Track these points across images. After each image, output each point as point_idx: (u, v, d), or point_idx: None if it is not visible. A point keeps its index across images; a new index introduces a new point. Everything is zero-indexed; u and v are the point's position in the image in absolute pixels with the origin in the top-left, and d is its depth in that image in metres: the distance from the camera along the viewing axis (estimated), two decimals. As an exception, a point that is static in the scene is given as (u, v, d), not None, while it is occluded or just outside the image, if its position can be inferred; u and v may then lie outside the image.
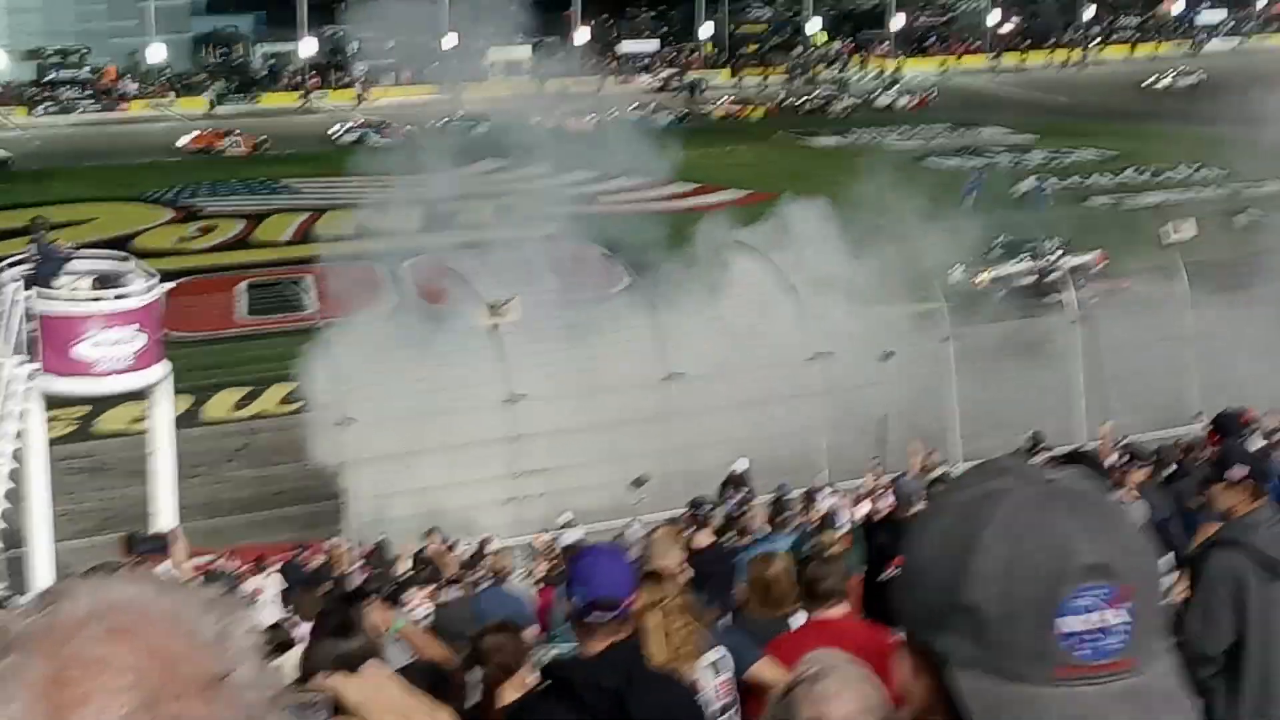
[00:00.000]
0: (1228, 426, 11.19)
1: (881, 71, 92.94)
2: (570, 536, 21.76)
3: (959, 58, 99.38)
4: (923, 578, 1.78)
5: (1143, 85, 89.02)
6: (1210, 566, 6.65)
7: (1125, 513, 1.80)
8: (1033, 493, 1.75)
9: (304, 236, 56.65)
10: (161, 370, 24.70)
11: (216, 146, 73.75)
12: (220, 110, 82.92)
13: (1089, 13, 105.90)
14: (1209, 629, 6.52)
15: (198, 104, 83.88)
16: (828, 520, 12.78)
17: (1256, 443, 13.67)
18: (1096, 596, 1.70)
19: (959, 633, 1.73)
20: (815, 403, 27.69)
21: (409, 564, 21.80)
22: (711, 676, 6.20)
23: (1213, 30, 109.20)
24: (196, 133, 75.17)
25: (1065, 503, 1.75)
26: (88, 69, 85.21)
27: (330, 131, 74.93)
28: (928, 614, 1.77)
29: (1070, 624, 1.69)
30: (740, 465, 23.39)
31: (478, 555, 22.08)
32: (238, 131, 75.05)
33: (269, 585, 21.64)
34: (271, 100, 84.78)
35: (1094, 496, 1.78)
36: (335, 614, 5.76)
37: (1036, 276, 34.54)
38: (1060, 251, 42.29)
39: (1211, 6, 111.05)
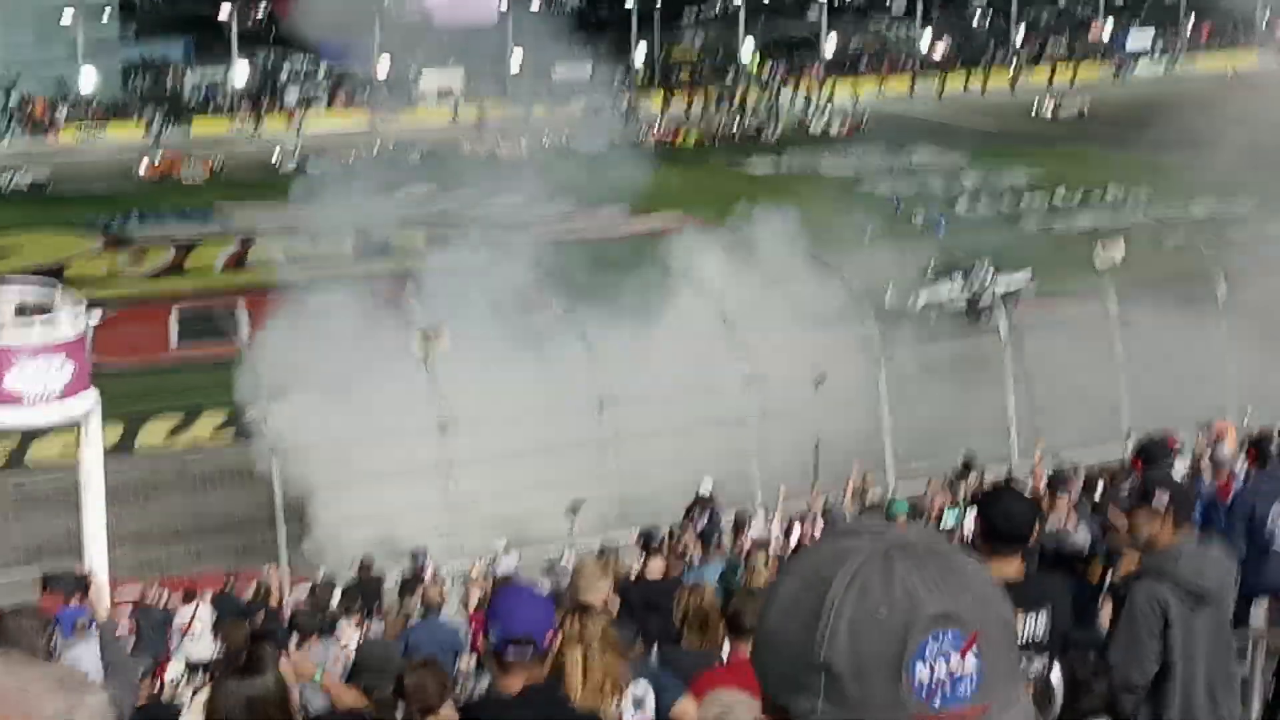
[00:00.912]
0: (1152, 453, 11.25)
1: (810, 98, 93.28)
2: (506, 563, 21.67)
3: (882, 82, 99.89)
4: (776, 641, 1.80)
5: (1032, 114, 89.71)
6: (1134, 597, 6.69)
7: (971, 564, 1.83)
8: (878, 549, 1.77)
9: (237, 264, 56.43)
10: (90, 400, 24.49)
11: (175, 173, 73.24)
12: (154, 138, 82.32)
13: (1019, 36, 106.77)
14: (1133, 659, 6.55)
15: (130, 131, 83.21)
16: (756, 548, 12.76)
17: (1180, 468, 13.78)
18: (945, 645, 1.74)
19: (815, 692, 1.76)
20: (749, 428, 27.71)
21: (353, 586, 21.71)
22: (633, 714, 6.16)
23: (1139, 55, 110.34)
24: (152, 158, 74.67)
25: (910, 557, 1.78)
26: (16, 98, 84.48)
27: (274, 160, 74.51)
28: (783, 676, 1.79)
29: (921, 674, 1.73)
30: (705, 486, 23.33)
31: (413, 582, 22.01)
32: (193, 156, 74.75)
33: (201, 616, 21.49)
34: (204, 127, 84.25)
35: (938, 549, 1.81)
36: (243, 653, 5.70)
37: (969, 298, 34.76)
38: (993, 273, 42.59)
39: (1141, 25, 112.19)
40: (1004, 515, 6.66)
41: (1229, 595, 6.82)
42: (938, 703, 1.73)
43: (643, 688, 6.27)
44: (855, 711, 1.74)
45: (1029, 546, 6.92)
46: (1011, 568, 6.44)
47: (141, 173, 73.22)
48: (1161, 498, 6.97)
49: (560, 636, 5.61)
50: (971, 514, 11.08)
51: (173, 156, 75.06)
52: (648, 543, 16.23)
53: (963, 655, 1.73)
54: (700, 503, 21.79)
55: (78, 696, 1.40)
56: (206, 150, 76.70)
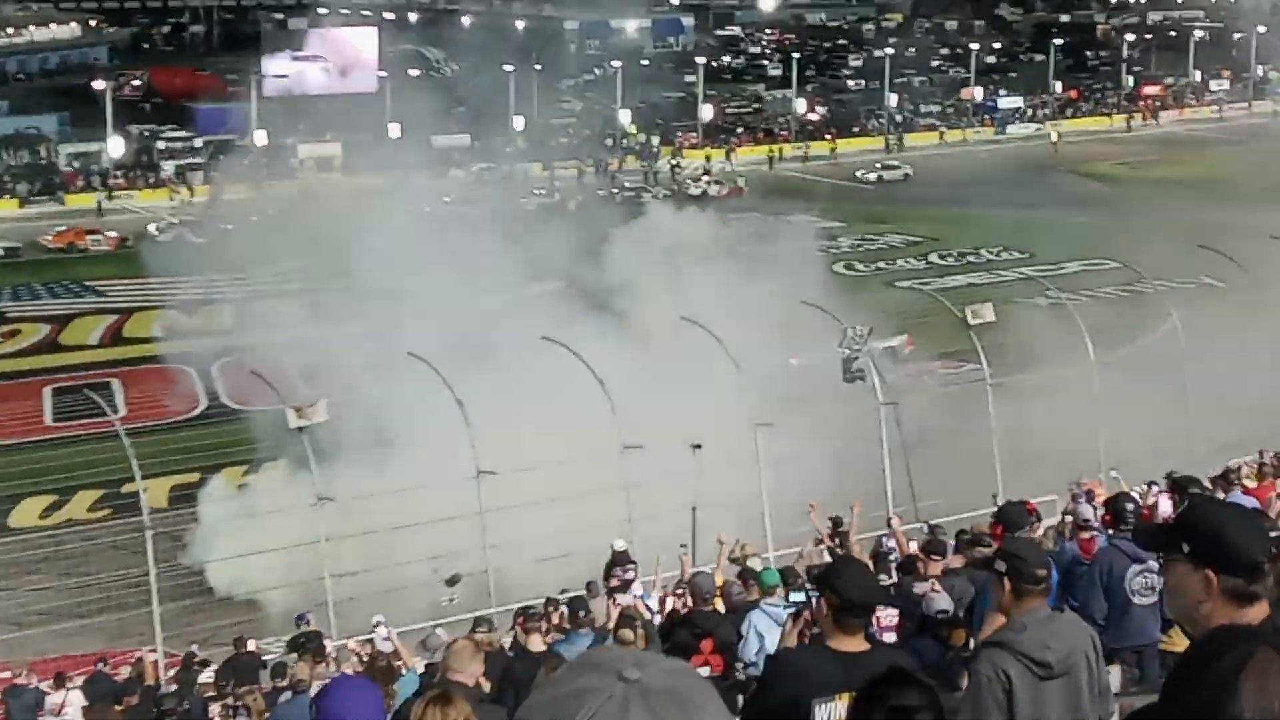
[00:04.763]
0: (1010, 518, 11.40)
1: (684, 164, 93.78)
2: (380, 639, 21.47)
3: (760, 147, 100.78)
4: None
5: (855, 175, 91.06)
6: (979, 667, 6.74)
7: (711, 703, 1.85)
8: (617, 692, 1.80)
9: (113, 338, 55.76)
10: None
11: (79, 244, 72.28)
12: (27, 211, 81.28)
13: (892, 101, 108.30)
14: (975, 729, 6.60)
15: (4, 205, 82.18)
16: (626, 619, 12.75)
17: (1040, 533, 13.98)
18: None
19: None
20: (624, 496, 27.67)
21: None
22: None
23: (1010, 117, 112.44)
24: (60, 229, 73.82)
25: (644, 702, 1.80)
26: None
27: (150, 229, 73.68)
28: None
29: None
30: (619, 544, 23.15)
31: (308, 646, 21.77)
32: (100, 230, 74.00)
33: (72, 700, 21.18)
34: (76, 201, 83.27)
35: (679, 690, 1.83)
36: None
37: (844, 359, 34.94)
38: (868, 335, 42.84)
39: (1009, 95, 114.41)
40: (855, 586, 6.61)
41: (1084, 665, 6.82)
42: None
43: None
44: None
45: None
46: (858, 641, 6.46)
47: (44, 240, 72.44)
48: (1000, 566, 7.00)
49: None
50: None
51: (77, 229, 74.14)
52: (525, 619, 16.14)
53: None
54: (619, 559, 21.54)
55: None
56: (84, 223, 75.82)
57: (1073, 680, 6.71)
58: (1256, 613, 3.91)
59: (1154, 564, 11.45)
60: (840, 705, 6.14)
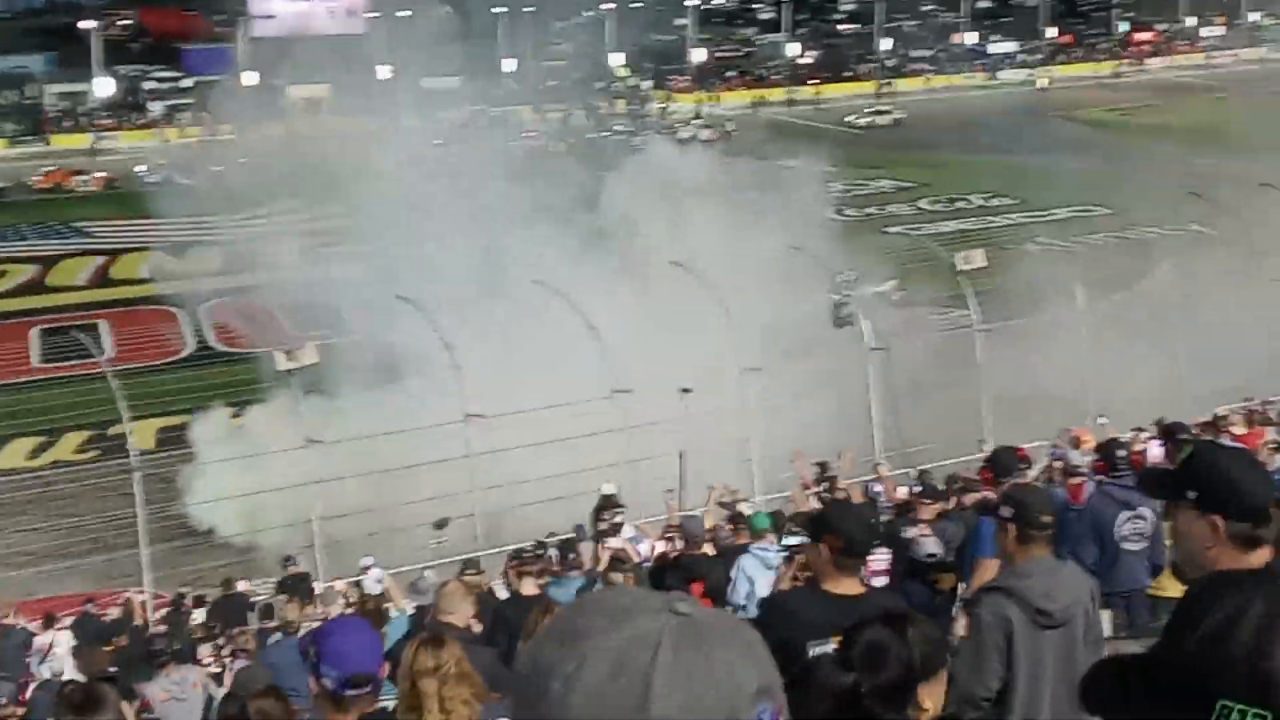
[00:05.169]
0: (1003, 463, 11.37)
1: (674, 107, 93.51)
2: (370, 581, 21.53)
3: (750, 91, 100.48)
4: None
5: (845, 120, 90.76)
6: (981, 612, 6.73)
7: (753, 643, 1.83)
8: (685, 630, 1.77)
9: (101, 280, 55.58)
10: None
11: (66, 185, 71.92)
12: (11, 153, 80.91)
13: (885, 45, 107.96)
14: (977, 673, 6.59)
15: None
16: (616, 562, 12.75)
17: (1033, 477, 13.97)
18: (765, 718, 1.76)
19: None
20: (614, 440, 27.68)
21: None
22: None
23: (1002, 60, 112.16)
24: (48, 170, 73.42)
25: (715, 636, 1.77)
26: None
27: (137, 170, 73.44)
28: None
29: None
30: (608, 488, 23.15)
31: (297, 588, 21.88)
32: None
33: (60, 641, 21.17)
34: (63, 142, 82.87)
35: (732, 624, 1.82)
36: (78, 692, 5.60)
37: (834, 305, 34.89)
38: (856, 281, 42.76)
39: (1001, 40, 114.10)
40: (858, 527, 6.59)
41: (1081, 616, 6.81)
42: None
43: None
44: None
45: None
46: (853, 584, 6.46)
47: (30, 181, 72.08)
48: (1005, 511, 6.97)
49: (414, 668, 5.55)
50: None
51: (63, 170, 73.77)
52: (520, 561, 16.17)
53: None
54: (608, 503, 21.55)
55: None
56: (69, 163, 75.50)
57: (1070, 631, 6.72)
58: (1260, 557, 3.91)
59: (1144, 510, 11.47)
60: (834, 647, 6.14)
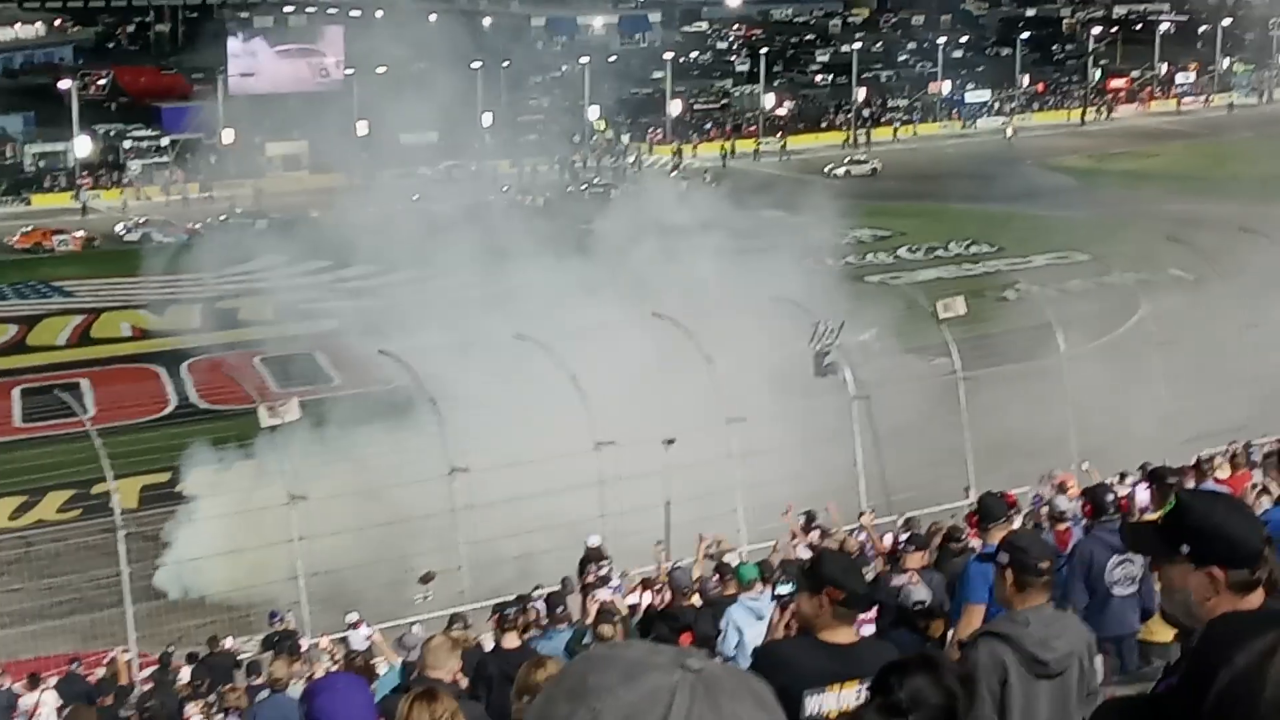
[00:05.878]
0: (990, 510, 11.40)
1: (648, 159, 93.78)
2: (357, 637, 21.42)
3: (728, 142, 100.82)
4: None
5: (823, 170, 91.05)
6: (975, 654, 6.70)
7: (766, 699, 1.85)
8: (697, 685, 1.79)
9: (81, 339, 55.48)
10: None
11: (46, 244, 71.87)
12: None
13: (860, 95, 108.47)
14: (968, 718, 6.58)
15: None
16: (603, 614, 12.71)
17: (1018, 524, 13.98)
18: None
19: None
20: (598, 492, 27.61)
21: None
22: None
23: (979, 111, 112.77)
24: (25, 230, 73.34)
25: (726, 690, 1.81)
26: None
27: (117, 229, 73.43)
28: None
29: None
30: (593, 540, 23.12)
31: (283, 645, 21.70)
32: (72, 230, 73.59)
33: (47, 701, 21.08)
34: (44, 201, 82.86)
35: (741, 677, 1.86)
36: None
37: (815, 353, 34.95)
38: (837, 331, 42.77)
39: (976, 88, 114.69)
40: (856, 578, 6.62)
41: (1077, 667, 6.78)
42: None
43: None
44: None
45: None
46: (848, 633, 6.46)
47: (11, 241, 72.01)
48: (1002, 558, 6.97)
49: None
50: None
51: (43, 230, 73.73)
52: (502, 616, 16.10)
53: None
54: (592, 556, 21.50)
55: None
56: (49, 223, 75.46)
57: (1065, 681, 6.67)
58: (1257, 598, 3.90)
59: (1134, 556, 11.47)
60: (831, 696, 6.14)
